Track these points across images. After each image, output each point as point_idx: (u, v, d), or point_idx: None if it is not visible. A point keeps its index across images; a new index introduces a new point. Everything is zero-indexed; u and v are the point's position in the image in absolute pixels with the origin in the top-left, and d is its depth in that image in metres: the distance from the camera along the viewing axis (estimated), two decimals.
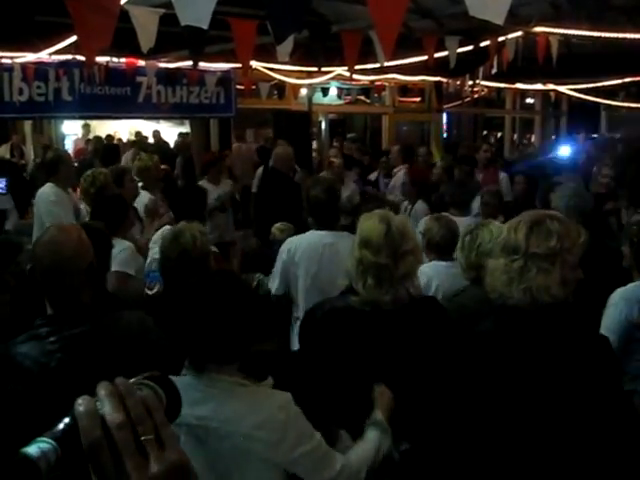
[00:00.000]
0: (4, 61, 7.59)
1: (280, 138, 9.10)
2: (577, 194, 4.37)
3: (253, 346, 1.98)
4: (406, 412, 2.30)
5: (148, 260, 4.13)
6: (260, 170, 8.16)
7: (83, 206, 5.42)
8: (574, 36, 7.06)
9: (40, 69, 7.84)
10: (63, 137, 12.93)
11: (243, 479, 1.86)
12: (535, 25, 6.84)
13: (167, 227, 4.37)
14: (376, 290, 2.44)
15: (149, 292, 3.96)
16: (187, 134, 11.94)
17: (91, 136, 12.95)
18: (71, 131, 13.50)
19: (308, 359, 2.55)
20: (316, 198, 3.83)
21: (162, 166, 8.29)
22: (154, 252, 4.19)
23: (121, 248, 4.00)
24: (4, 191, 6.91)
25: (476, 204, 5.73)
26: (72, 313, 2.10)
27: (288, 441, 1.87)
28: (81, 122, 12.90)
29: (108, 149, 9.15)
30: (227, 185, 6.88)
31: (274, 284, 3.92)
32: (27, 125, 11.86)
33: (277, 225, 5.18)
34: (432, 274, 3.85)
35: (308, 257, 3.81)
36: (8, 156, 10.93)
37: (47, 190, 5.45)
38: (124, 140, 12.96)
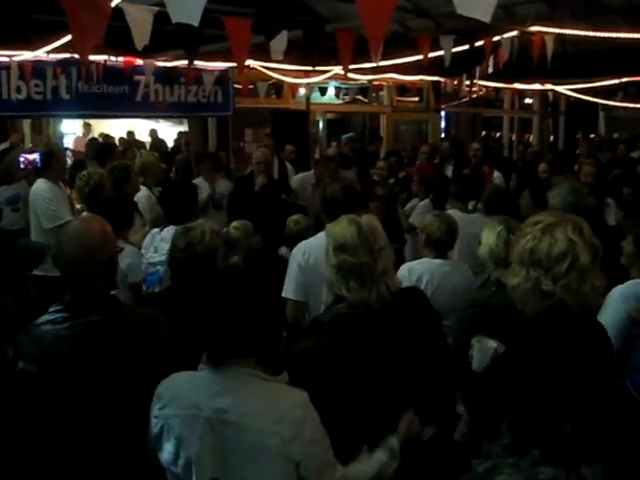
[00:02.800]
0: (1, 59, 7.61)
1: (277, 137, 9.07)
2: (574, 191, 4.39)
3: (271, 339, 2.00)
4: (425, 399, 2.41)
5: (143, 266, 4.16)
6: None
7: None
8: (570, 36, 7.07)
9: (38, 67, 7.86)
10: (62, 136, 12.95)
11: (258, 472, 1.88)
12: (531, 25, 6.85)
13: (155, 230, 4.41)
14: (361, 291, 2.45)
15: None
16: (188, 133, 11.93)
17: (90, 136, 12.96)
18: (70, 130, 13.51)
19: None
20: (333, 196, 3.67)
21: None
22: (148, 257, 4.24)
23: (132, 256, 4.01)
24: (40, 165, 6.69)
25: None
26: (88, 301, 2.21)
27: (302, 439, 1.89)
28: (80, 121, 12.91)
29: (102, 148, 9.07)
30: (223, 184, 6.88)
31: (289, 288, 3.62)
32: (26, 124, 11.85)
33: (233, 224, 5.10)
34: (423, 270, 3.89)
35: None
36: None
37: (41, 186, 5.41)
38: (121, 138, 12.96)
